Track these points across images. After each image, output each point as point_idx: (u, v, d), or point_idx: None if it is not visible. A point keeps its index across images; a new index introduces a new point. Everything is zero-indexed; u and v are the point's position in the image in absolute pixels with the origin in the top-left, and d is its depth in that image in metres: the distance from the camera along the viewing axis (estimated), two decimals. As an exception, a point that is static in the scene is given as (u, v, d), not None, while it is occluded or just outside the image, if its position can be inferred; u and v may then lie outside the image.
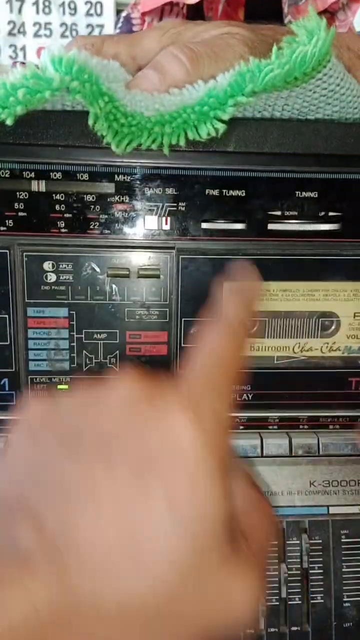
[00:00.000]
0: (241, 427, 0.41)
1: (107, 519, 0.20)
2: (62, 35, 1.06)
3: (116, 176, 0.35)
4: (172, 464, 0.21)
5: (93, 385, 0.24)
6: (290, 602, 0.42)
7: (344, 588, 0.43)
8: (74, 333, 0.38)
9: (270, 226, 0.37)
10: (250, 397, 0.41)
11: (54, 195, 0.35)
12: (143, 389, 0.23)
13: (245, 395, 0.41)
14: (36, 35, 0.98)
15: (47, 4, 0.94)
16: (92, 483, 0.21)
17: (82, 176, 0.34)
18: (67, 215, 0.35)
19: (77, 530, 0.20)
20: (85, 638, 0.20)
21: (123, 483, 0.21)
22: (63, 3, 0.96)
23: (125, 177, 0.35)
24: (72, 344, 0.38)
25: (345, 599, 0.43)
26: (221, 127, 0.32)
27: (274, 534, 0.27)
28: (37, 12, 0.93)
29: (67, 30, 1.02)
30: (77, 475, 0.21)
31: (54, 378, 0.38)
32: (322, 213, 0.37)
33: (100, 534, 0.20)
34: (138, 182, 0.35)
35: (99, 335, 0.38)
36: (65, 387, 0.39)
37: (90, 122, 0.31)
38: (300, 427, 0.42)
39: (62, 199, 0.35)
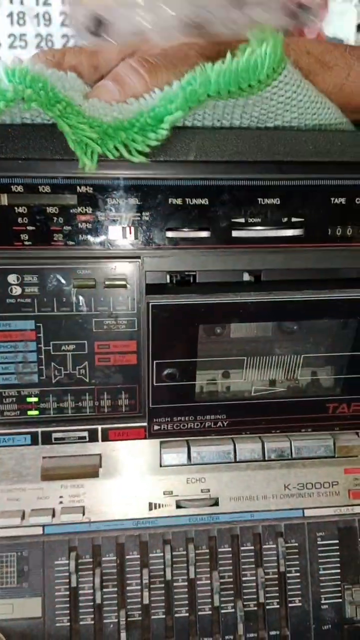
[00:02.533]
0: (214, 433, 0.41)
1: None
2: (38, 46, 1.06)
3: (78, 187, 0.35)
4: None
5: None
6: (268, 607, 0.43)
7: (322, 590, 0.43)
8: (42, 345, 0.38)
9: (235, 233, 0.37)
10: (225, 424, 0.41)
11: (16, 208, 0.35)
12: None
13: (220, 423, 0.41)
14: (11, 46, 0.98)
15: (21, 15, 0.93)
16: None
17: (44, 188, 0.35)
18: (30, 227, 0.35)
19: None
20: None
21: None
22: (37, 14, 0.96)
23: (88, 189, 0.35)
24: (40, 356, 0.38)
25: (323, 602, 0.43)
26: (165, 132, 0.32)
27: None
28: (12, 23, 0.93)
29: (43, 41, 1.01)
30: None
31: (23, 391, 0.38)
32: (285, 219, 0.37)
33: None
34: (101, 193, 0.35)
35: (67, 346, 0.38)
36: (35, 399, 0.39)
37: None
38: (272, 430, 0.42)
39: (24, 212, 0.35)
